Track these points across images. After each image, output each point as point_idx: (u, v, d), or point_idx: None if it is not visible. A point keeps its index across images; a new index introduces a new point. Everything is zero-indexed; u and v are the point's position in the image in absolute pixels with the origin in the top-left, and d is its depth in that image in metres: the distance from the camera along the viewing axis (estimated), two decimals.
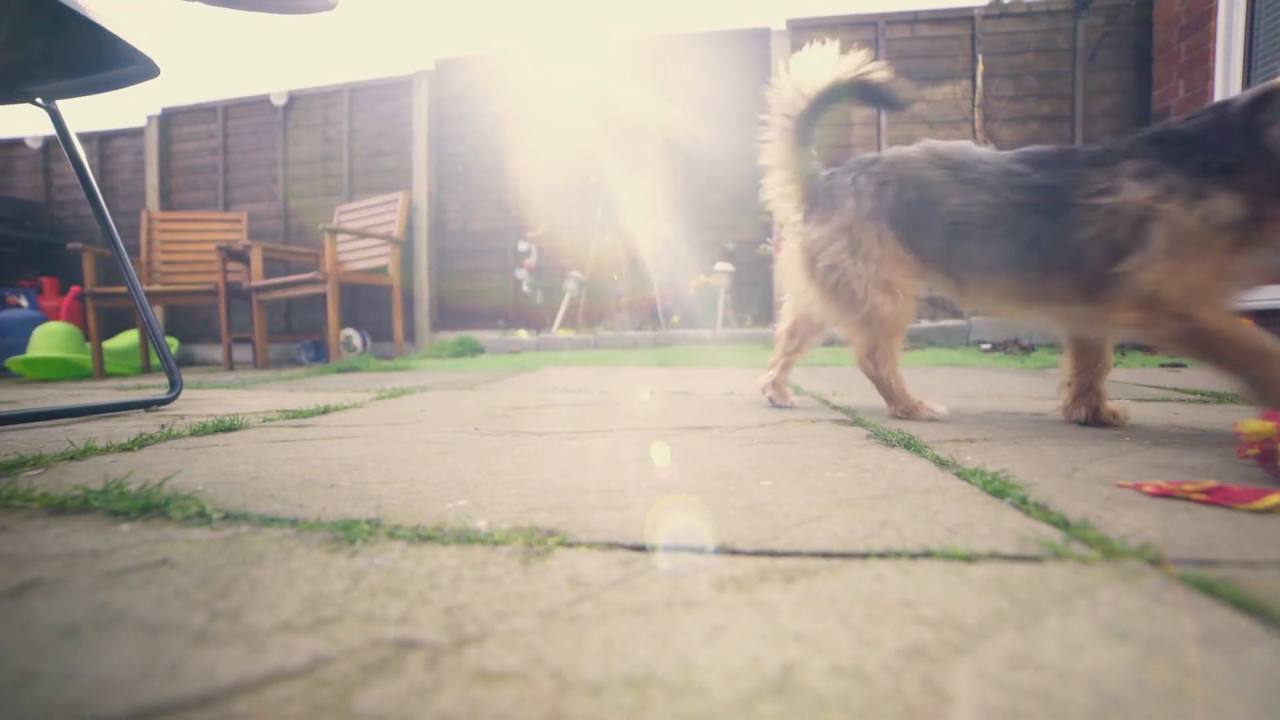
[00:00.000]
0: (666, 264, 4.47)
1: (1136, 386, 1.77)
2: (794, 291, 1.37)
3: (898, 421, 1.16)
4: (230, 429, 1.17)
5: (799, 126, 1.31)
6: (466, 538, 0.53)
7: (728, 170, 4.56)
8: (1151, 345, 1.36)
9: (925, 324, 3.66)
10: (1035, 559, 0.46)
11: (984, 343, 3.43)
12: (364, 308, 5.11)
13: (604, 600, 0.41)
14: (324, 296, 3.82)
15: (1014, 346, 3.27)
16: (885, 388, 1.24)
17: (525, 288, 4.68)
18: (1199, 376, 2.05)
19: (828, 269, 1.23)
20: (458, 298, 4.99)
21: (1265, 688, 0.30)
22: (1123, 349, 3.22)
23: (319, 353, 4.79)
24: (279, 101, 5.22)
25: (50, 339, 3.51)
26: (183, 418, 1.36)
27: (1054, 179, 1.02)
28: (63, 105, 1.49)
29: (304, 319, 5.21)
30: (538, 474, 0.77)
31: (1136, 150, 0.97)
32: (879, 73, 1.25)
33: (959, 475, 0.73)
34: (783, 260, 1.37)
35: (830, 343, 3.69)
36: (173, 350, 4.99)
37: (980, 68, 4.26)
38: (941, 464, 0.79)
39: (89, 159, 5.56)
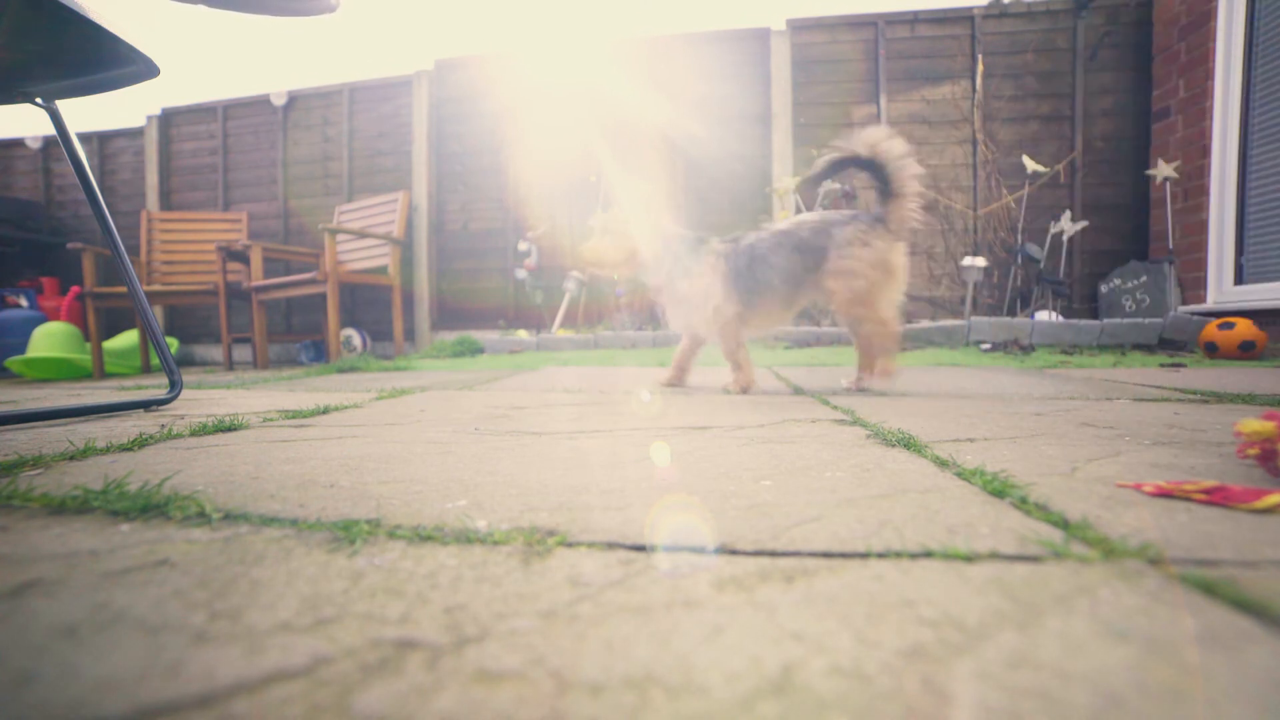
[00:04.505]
0: None
1: (1137, 386, 1.77)
2: None
3: (898, 421, 1.16)
4: (230, 429, 1.17)
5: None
6: (466, 538, 0.53)
7: (727, 170, 4.57)
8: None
9: (925, 324, 3.65)
10: (1035, 559, 0.46)
11: (984, 343, 3.43)
12: (364, 308, 5.12)
13: (604, 600, 0.41)
14: (324, 296, 3.82)
15: (1014, 346, 3.27)
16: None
17: (525, 288, 4.69)
18: (1199, 376, 2.05)
19: None
20: (458, 298, 4.99)
21: (1265, 688, 0.30)
22: (1122, 349, 3.22)
23: (319, 353, 4.80)
24: (279, 101, 5.22)
25: (50, 339, 3.52)
26: (182, 418, 1.36)
27: None
28: (63, 105, 1.48)
29: (304, 319, 5.21)
30: (538, 474, 0.77)
31: None
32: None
33: (959, 475, 0.72)
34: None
35: (834, 342, 3.69)
36: (172, 350, 5.00)
37: (980, 68, 4.26)
38: (941, 464, 0.79)
39: (89, 159, 5.57)
